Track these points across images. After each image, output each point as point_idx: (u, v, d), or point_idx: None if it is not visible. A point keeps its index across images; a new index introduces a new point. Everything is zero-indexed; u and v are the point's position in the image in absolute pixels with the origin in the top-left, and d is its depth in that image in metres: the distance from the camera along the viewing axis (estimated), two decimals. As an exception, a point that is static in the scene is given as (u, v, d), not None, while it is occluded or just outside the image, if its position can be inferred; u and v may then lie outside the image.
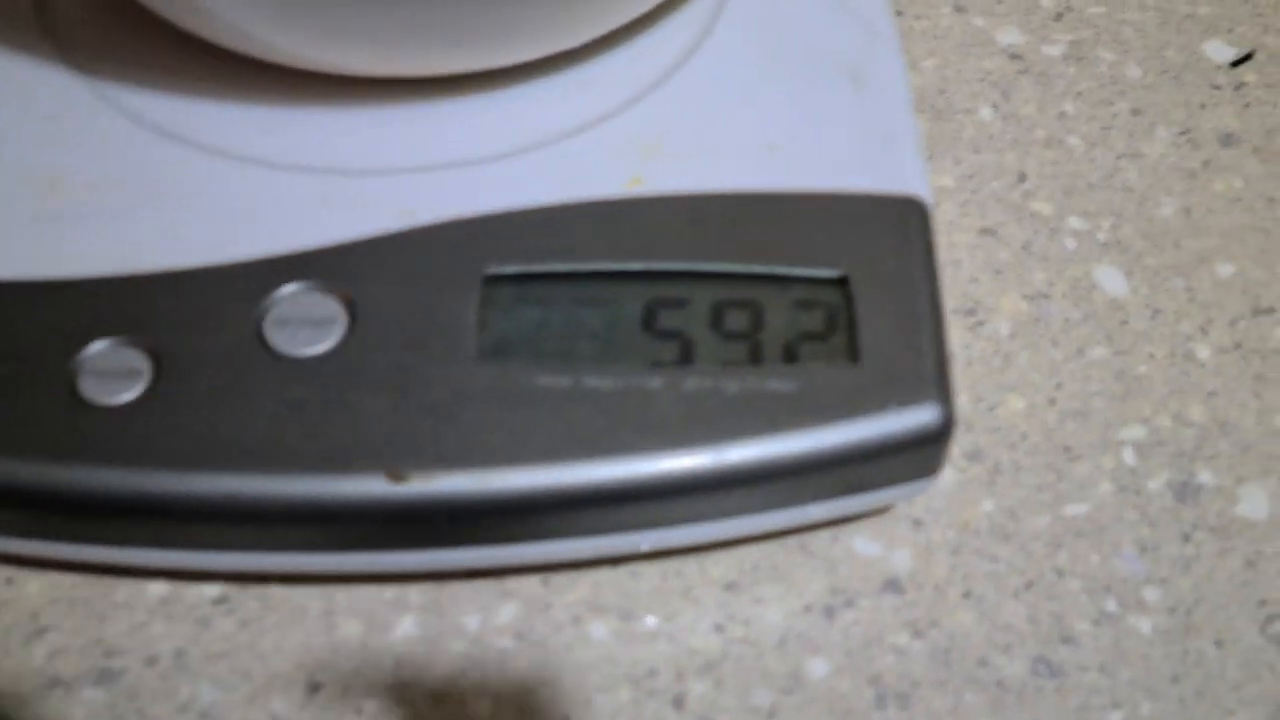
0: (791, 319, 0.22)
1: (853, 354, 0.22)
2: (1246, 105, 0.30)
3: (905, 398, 0.21)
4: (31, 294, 0.22)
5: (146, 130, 0.24)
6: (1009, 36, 0.32)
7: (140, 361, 0.21)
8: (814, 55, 0.26)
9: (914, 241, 0.23)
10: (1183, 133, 0.30)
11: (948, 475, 0.24)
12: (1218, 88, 0.31)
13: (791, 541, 0.23)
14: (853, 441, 0.21)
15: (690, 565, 0.23)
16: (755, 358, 0.22)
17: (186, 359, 0.21)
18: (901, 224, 0.23)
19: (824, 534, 0.23)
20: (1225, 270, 0.27)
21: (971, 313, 0.26)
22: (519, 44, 0.24)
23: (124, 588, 0.22)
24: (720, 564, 0.23)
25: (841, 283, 0.23)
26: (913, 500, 0.24)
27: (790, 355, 0.22)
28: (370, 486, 0.20)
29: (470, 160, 0.24)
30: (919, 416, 0.21)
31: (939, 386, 0.21)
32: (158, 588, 0.22)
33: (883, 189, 0.24)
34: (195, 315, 0.22)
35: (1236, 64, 0.31)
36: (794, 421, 0.21)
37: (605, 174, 0.24)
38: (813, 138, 0.25)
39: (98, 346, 0.21)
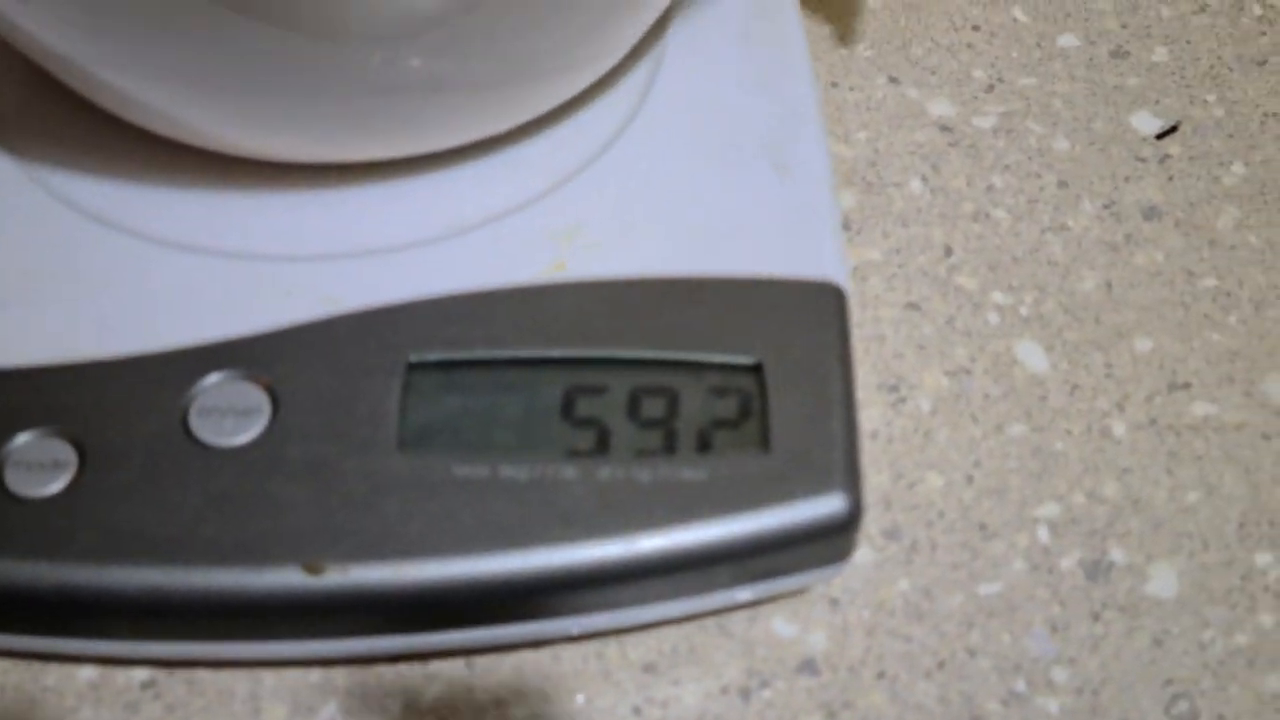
0: (706, 406, 0.23)
1: (764, 442, 0.22)
2: (1170, 178, 0.31)
3: (814, 487, 0.22)
4: (-40, 384, 0.22)
5: (77, 214, 0.25)
6: (940, 108, 0.32)
7: (66, 453, 0.22)
8: (737, 139, 0.27)
9: (829, 328, 0.24)
10: (1107, 205, 0.30)
11: (865, 554, 0.25)
12: (1143, 160, 0.31)
13: (710, 623, 0.24)
14: (762, 530, 0.22)
15: (611, 647, 0.23)
16: (669, 446, 0.22)
17: (112, 450, 0.22)
18: (817, 310, 0.24)
19: (742, 615, 0.24)
20: (1144, 345, 0.28)
21: (894, 389, 0.27)
22: (441, 132, 0.25)
23: (53, 672, 0.23)
24: (641, 645, 0.23)
25: (756, 369, 0.23)
26: (831, 580, 0.24)
27: (703, 443, 0.22)
28: (288, 579, 0.21)
29: (394, 246, 0.25)
30: (827, 506, 0.22)
31: (847, 476, 0.22)
32: (87, 672, 0.23)
33: (800, 274, 0.24)
34: (121, 405, 0.22)
35: (1162, 136, 0.32)
36: (704, 511, 0.21)
37: (529, 259, 0.24)
38: (733, 222, 0.25)
39: (24, 438, 0.22)
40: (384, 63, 0.22)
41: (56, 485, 0.21)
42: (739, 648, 0.23)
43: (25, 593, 0.21)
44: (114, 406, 0.22)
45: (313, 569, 0.21)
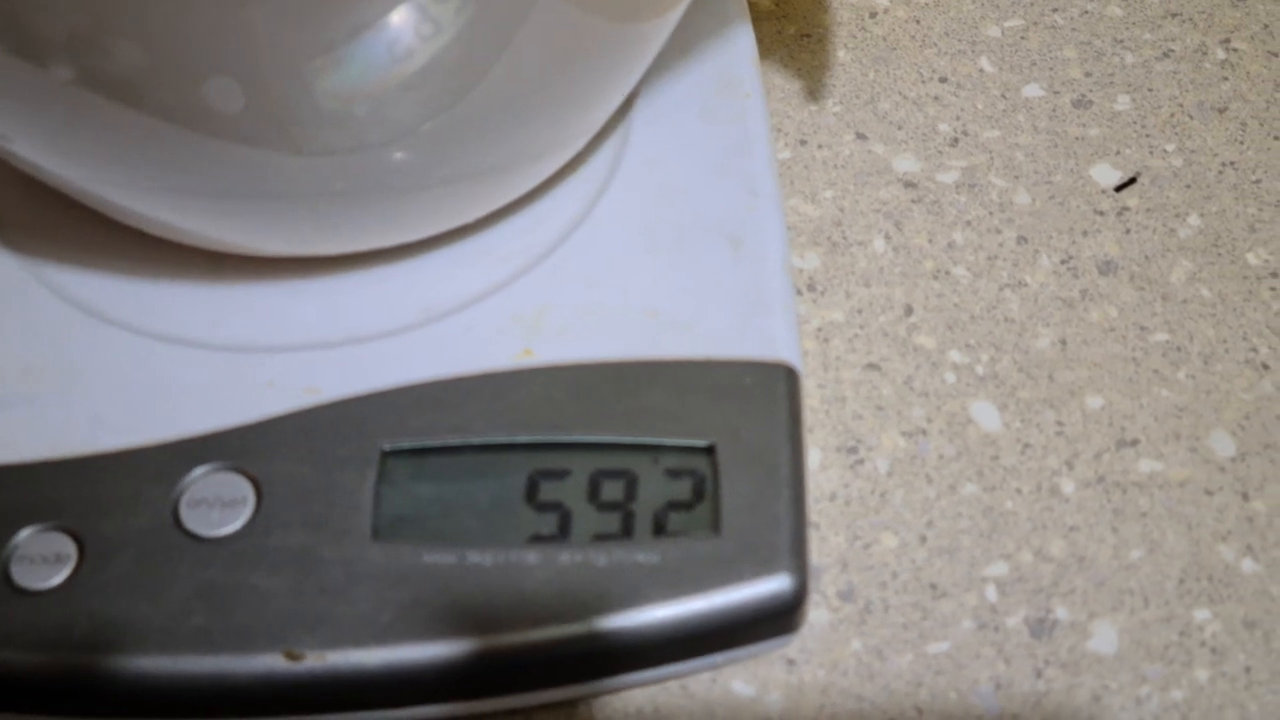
0: (662, 488, 0.24)
1: (715, 525, 0.24)
2: (1127, 231, 0.32)
3: (762, 569, 0.23)
4: (-33, 482, 0.24)
5: (72, 308, 0.27)
6: (905, 164, 0.34)
7: (67, 546, 0.24)
8: (696, 220, 0.28)
9: (780, 408, 0.25)
10: (1064, 261, 0.32)
11: (821, 615, 0.26)
12: (1101, 213, 0.33)
13: (674, 685, 0.25)
14: (713, 610, 0.23)
15: (580, 710, 0.25)
16: (626, 529, 0.24)
17: (109, 542, 0.24)
18: (769, 390, 0.26)
19: (704, 676, 0.25)
20: (1094, 402, 0.29)
21: (853, 450, 0.29)
22: (413, 226, 0.26)
23: (61, 742, 0.25)
24: (607, 708, 0.25)
25: (709, 451, 0.25)
26: (788, 644, 0.26)
27: (658, 526, 0.24)
28: (270, 665, 0.23)
29: (369, 335, 0.26)
30: (774, 585, 0.23)
31: (794, 557, 0.23)
32: (92, 742, 0.25)
33: (754, 355, 0.26)
34: (116, 499, 0.24)
35: (1120, 188, 0.33)
36: (658, 594, 0.23)
37: (498, 346, 0.26)
38: (690, 305, 0.27)
39: (27, 533, 0.24)
40: (354, 172, 0.24)
41: (58, 578, 0.23)
42: (700, 709, 0.25)
43: (29, 679, 0.23)
44: (109, 500, 0.24)
45: (292, 656, 0.22)
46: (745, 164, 0.29)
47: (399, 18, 0.21)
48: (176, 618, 0.23)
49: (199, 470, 0.24)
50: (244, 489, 0.24)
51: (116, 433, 0.25)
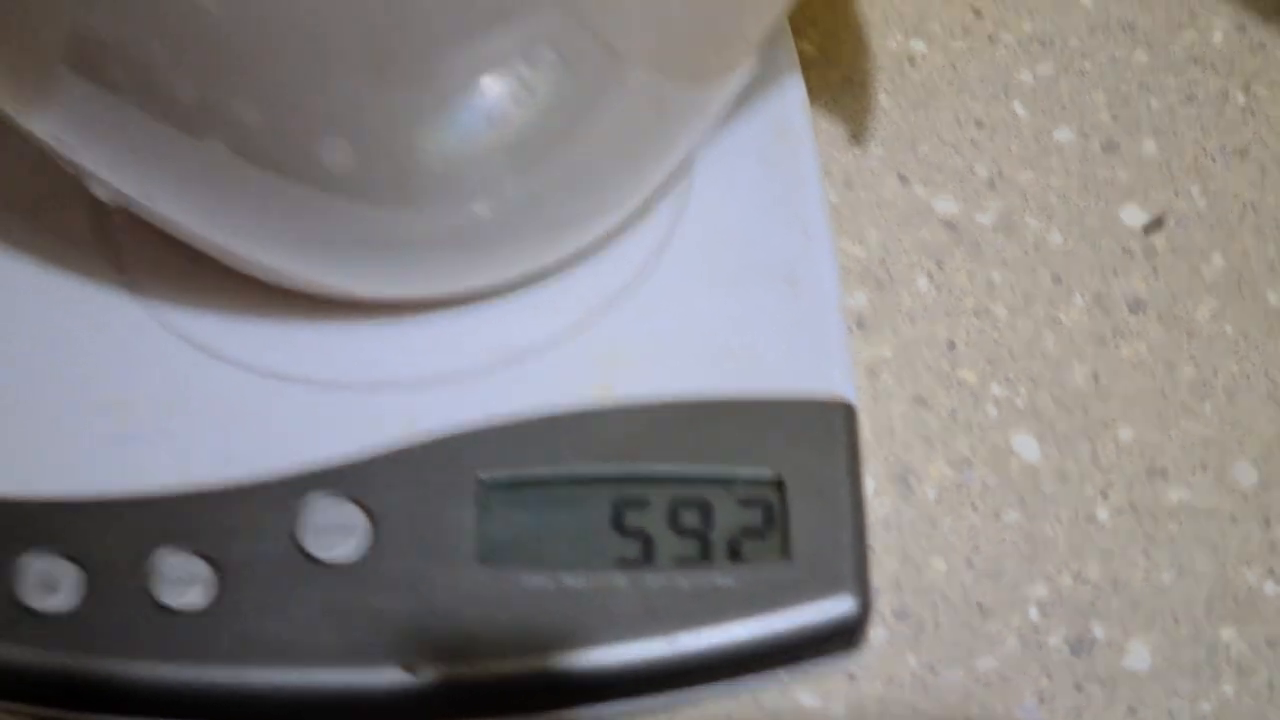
0: (735, 517, 0.27)
1: (785, 550, 0.26)
2: (1155, 270, 0.35)
3: (828, 590, 0.26)
4: (107, 509, 0.27)
5: (194, 349, 0.29)
6: (945, 206, 0.36)
7: (203, 569, 0.26)
8: (756, 262, 0.31)
9: (840, 442, 0.28)
10: (1096, 299, 0.34)
11: (879, 633, 0.29)
12: (1130, 253, 0.35)
13: (746, 697, 0.28)
14: (784, 629, 0.26)
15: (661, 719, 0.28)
16: (704, 554, 0.27)
17: (240, 566, 0.26)
18: (829, 426, 0.28)
19: (773, 689, 0.28)
20: (1126, 434, 0.32)
21: (904, 479, 0.31)
22: (497, 273, 0.29)
23: (188, 747, 0.28)
24: (685, 718, 0.28)
25: (778, 483, 0.27)
26: (849, 661, 0.28)
27: (733, 552, 0.27)
28: (390, 677, 0.25)
29: (463, 373, 0.29)
30: (840, 607, 0.26)
31: (857, 580, 0.26)
32: (216, 746, 0.27)
33: (814, 393, 0.29)
34: (243, 526, 0.27)
35: (1148, 229, 0.36)
36: (735, 613, 0.26)
37: (578, 384, 0.29)
38: (754, 344, 0.29)
39: (165, 555, 0.26)
40: (450, 223, 0.27)
41: (197, 598, 0.26)
42: (770, 719, 0.28)
43: (175, 692, 0.25)
44: (239, 527, 0.27)
45: (409, 669, 0.25)
46: (800, 208, 0.32)
47: (497, 89, 0.24)
48: (305, 635, 0.25)
49: (318, 499, 0.27)
50: (358, 517, 0.27)
51: (240, 465, 0.27)
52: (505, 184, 0.25)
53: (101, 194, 0.27)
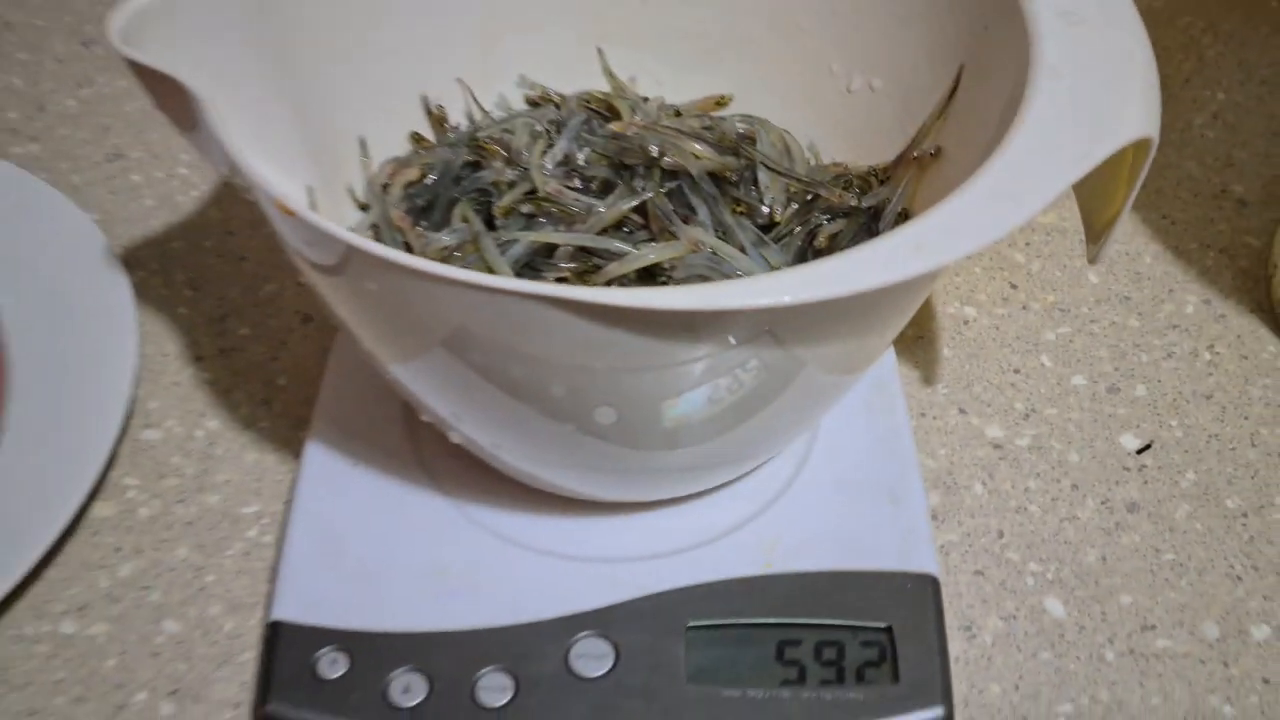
0: (859, 653, 0.40)
1: (895, 677, 0.39)
2: (1145, 482, 0.48)
3: (926, 704, 0.38)
4: (444, 640, 0.40)
5: (490, 534, 0.43)
6: (993, 431, 0.49)
7: (508, 681, 0.39)
8: (865, 479, 0.44)
9: (929, 604, 0.41)
10: (1103, 502, 0.47)
11: (954, 737, 0.41)
12: (1128, 469, 0.48)
13: (863, 778, 0.40)
14: (896, 730, 0.38)
15: (805, 793, 0.40)
16: (840, 678, 0.39)
17: (531, 679, 0.39)
18: (922, 592, 0.41)
19: (881, 774, 0.40)
20: (1126, 599, 0.44)
21: (968, 629, 0.44)
22: (698, 485, 0.42)
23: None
24: (822, 792, 0.40)
25: (888, 630, 0.40)
26: (933, 754, 0.40)
27: (859, 676, 0.39)
28: (635, 756, 0.38)
29: (669, 552, 0.42)
30: (933, 714, 0.38)
31: (944, 698, 0.38)
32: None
33: (912, 569, 0.41)
34: (534, 653, 0.39)
35: (1140, 451, 0.49)
36: (861, 717, 0.38)
37: (750, 560, 0.42)
38: (870, 535, 0.42)
39: (484, 672, 0.39)
40: (671, 460, 0.40)
41: (503, 700, 0.39)
42: (880, 795, 0.40)
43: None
44: (529, 654, 0.39)
45: (650, 750, 0.38)
46: (894, 442, 0.45)
47: (715, 385, 0.37)
48: (578, 726, 0.38)
49: (581, 636, 0.40)
50: (608, 649, 0.40)
51: (530, 613, 0.40)
52: (714, 437, 0.39)
53: (425, 418, 0.40)
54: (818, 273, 0.30)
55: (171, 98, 0.34)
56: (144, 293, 0.53)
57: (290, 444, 0.48)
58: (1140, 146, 0.34)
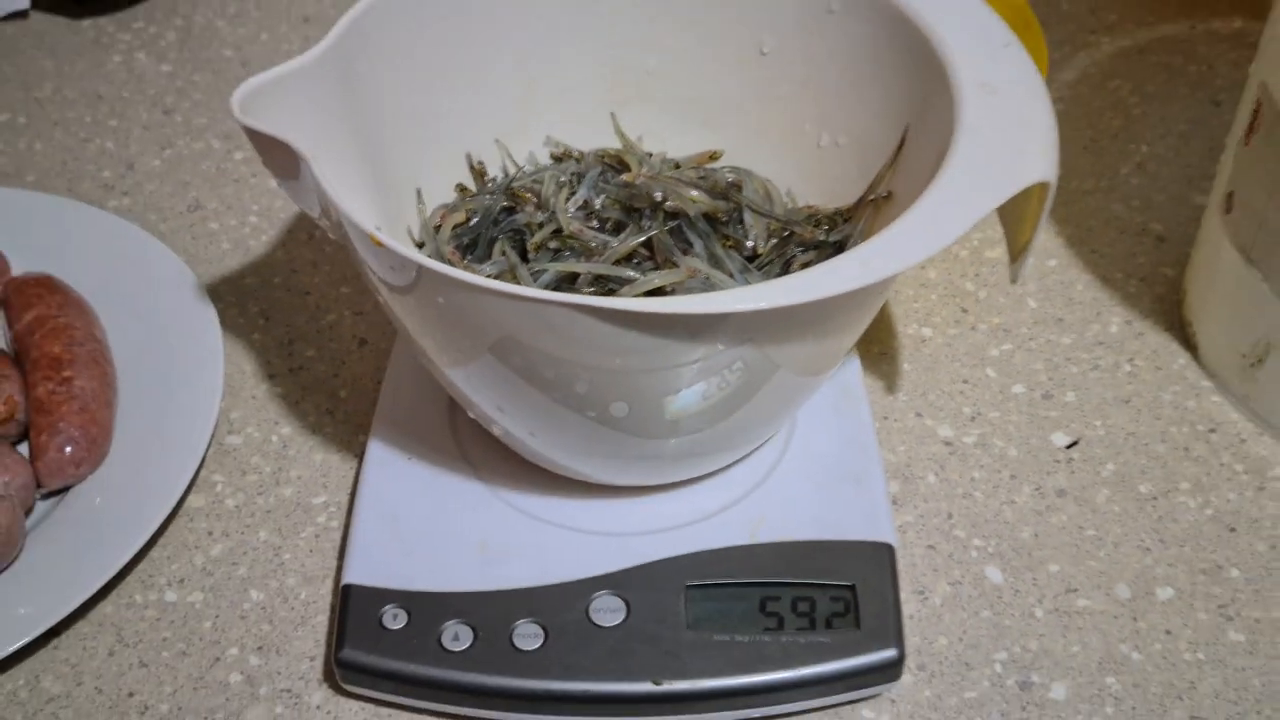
0: (828, 606, 0.47)
1: (857, 624, 0.46)
2: (1072, 472, 0.55)
3: (882, 645, 0.45)
4: (485, 598, 0.47)
5: (518, 512, 0.50)
6: (944, 431, 0.57)
7: (538, 630, 0.46)
8: (836, 465, 0.51)
9: (886, 567, 0.48)
10: (1037, 489, 0.54)
11: (908, 677, 0.48)
12: (1057, 461, 0.56)
13: (828, 712, 0.47)
14: (856, 665, 0.45)
15: (784, 723, 0.47)
16: (811, 625, 0.46)
17: (559, 628, 0.46)
18: (880, 557, 0.48)
19: (847, 708, 0.47)
20: (1054, 568, 0.51)
21: (921, 593, 0.51)
22: (692, 472, 0.50)
23: (521, 735, 0.47)
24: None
25: (852, 588, 0.47)
26: (891, 691, 0.47)
27: (827, 624, 0.46)
28: (643, 687, 0.45)
29: (670, 527, 0.49)
30: (887, 654, 0.45)
31: (898, 640, 0.46)
32: (536, 735, 0.47)
33: (873, 539, 0.49)
34: (561, 608, 0.47)
35: (1069, 447, 0.56)
36: (830, 658, 0.45)
37: (738, 533, 0.49)
38: (838, 513, 0.50)
39: (520, 623, 0.46)
40: (670, 448, 0.47)
41: (535, 645, 0.46)
42: (847, 724, 0.47)
43: (524, 693, 0.45)
44: (557, 607, 0.47)
45: (656, 683, 0.45)
46: (859, 436, 0.52)
47: (708, 383, 0.45)
48: (596, 663, 0.45)
49: (599, 594, 0.47)
50: (619, 604, 0.47)
51: (556, 575, 0.48)
52: (708, 427, 0.46)
53: (472, 415, 0.48)
54: (786, 285, 0.37)
55: (278, 155, 0.42)
56: (224, 322, 0.60)
57: (351, 446, 0.56)
58: (1042, 187, 0.42)
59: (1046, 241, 0.65)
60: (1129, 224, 0.66)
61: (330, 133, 0.45)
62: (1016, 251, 0.46)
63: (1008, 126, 0.43)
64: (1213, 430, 0.56)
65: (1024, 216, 0.45)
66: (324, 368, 0.59)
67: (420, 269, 0.38)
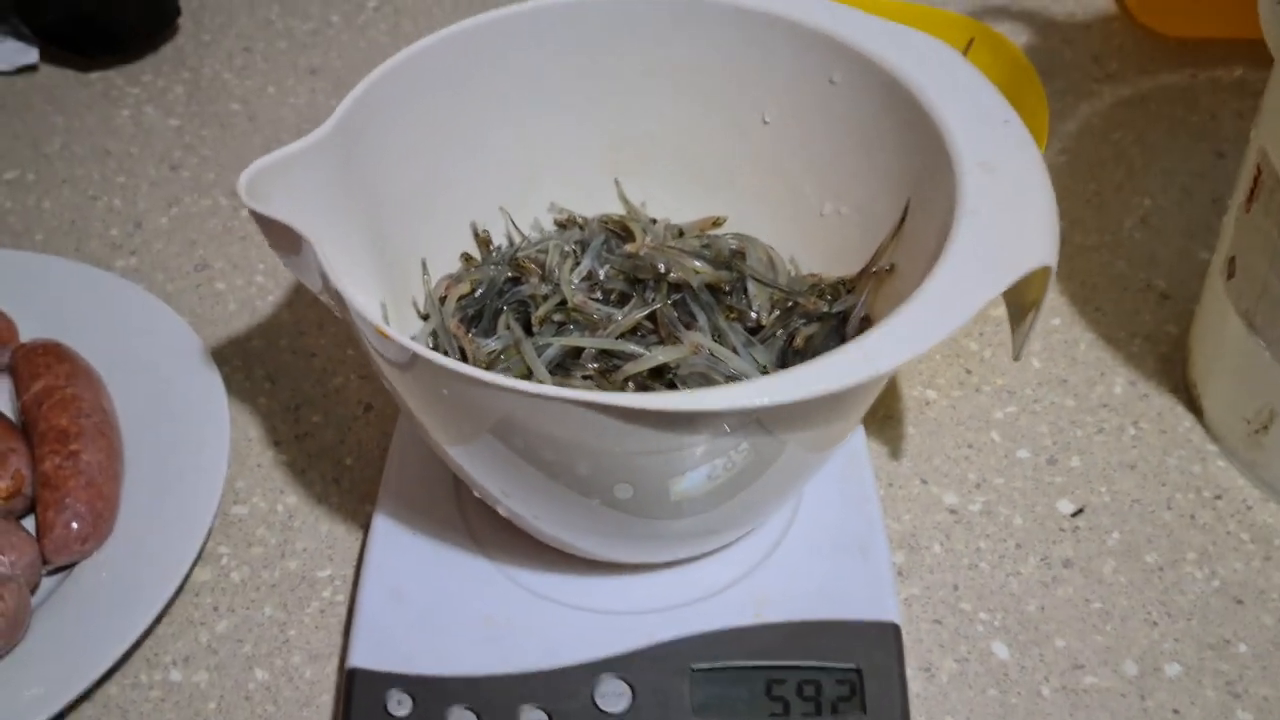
0: (834, 689, 0.45)
1: (864, 708, 0.45)
2: (1078, 542, 0.54)
3: (887, 731, 0.44)
4: (490, 682, 0.46)
5: (525, 590, 0.49)
6: (950, 498, 0.55)
7: (543, 716, 0.45)
8: (841, 538, 0.50)
9: (893, 648, 0.46)
10: (1043, 559, 0.53)
11: (915, 759, 0.47)
12: (1063, 530, 0.54)
13: (839, 795, 0.46)
14: (864, 752, 0.44)
15: (791, 807, 0.45)
16: (818, 710, 0.45)
17: (562, 715, 0.45)
18: (886, 638, 0.47)
19: (855, 791, 0.46)
20: (1060, 643, 0.50)
21: (927, 670, 0.49)
22: (695, 550, 0.48)
23: (526, 819, 0.45)
24: (805, 807, 0.45)
25: (858, 671, 0.46)
26: (897, 774, 0.46)
27: (834, 708, 0.45)
28: (650, 776, 0.43)
29: (674, 606, 0.48)
30: (894, 740, 0.44)
31: (903, 725, 0.44)
32: (542, 819, 0.45)
33: (878, 619, 0.47)
34: (565, 693, 0.45)
35: (1074, 515, 0.55)
36: (837, 743, 0.44)
37: (742, 613, 0.48)
38: (844, 590, 0.48)
39: (525, 709, 0.45)
40: (677, 527, 0.46)
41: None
42: (854, 808, 0.45)
43: (533, 782, 0.44)
44: (561, 693, 0.45)
45: (662, 772, 0.43)
46: (865, 506, 0.51)
47: (713, 464, 0.43)
48: (603, 752, 0.44)
49: (604, 678, 0.46)
50: (625, 688, 0.46)
51: (560, 658, 0.46)
52: (714, 507, 0.45)
53: (476, 493, 0.47)
54: (788, 380, 0.36)
55: (282, 237, 0.41)
56: (230, 386, 0.59)
57: (357, 516, 0.54)
58: (1043, 271, 0.40)
59: (1051, 299, 0.64)
60: (1132, 280, 0.65)
61: (335, 209, 0.44)
62: (1019, 328, 0.45)
63: (1008, 209, 0.42)
64: (1218, 497, 0.55)
65: (1026, 297, 0.43)
66: (330, 434, 0.58)
67: (421, 360, 0.37)
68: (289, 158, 0.43)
